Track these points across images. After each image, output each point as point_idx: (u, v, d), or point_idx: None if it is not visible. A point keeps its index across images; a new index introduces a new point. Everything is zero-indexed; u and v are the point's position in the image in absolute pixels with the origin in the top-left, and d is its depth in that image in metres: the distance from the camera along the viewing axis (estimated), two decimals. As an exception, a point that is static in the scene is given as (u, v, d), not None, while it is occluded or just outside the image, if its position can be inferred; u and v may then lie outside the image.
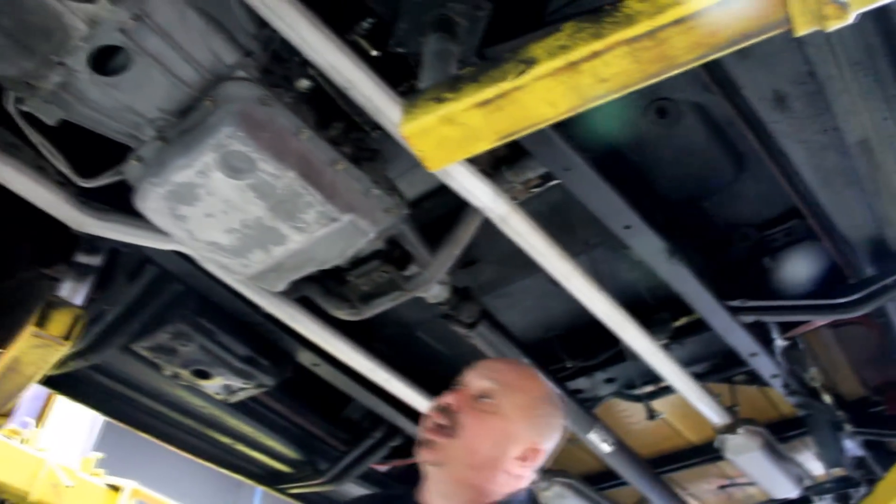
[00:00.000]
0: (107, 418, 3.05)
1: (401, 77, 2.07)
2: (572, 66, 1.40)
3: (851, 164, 2.14)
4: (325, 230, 1.97)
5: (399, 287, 2.22)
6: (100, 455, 4.78)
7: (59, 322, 2.10)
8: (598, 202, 2.29)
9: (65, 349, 2.12)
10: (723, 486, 4.47)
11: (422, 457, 1.71)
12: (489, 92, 1.44)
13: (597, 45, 1.38)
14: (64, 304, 2.13)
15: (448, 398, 1.75)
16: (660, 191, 2.60)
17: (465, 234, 2.26)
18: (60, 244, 2.58)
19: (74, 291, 2.20)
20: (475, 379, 1.78)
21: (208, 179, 1.83)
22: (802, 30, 1.26)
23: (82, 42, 1.67)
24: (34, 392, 5.02)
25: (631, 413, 3.81)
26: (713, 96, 2.34)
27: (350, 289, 2.28)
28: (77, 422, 5.31)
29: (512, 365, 1.96)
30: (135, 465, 6.00)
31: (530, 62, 1.43)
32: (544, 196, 2.53)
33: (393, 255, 2.23)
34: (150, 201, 1.91)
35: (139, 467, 6.05)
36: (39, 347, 2.12)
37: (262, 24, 1.87)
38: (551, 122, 1.50)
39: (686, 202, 2.67)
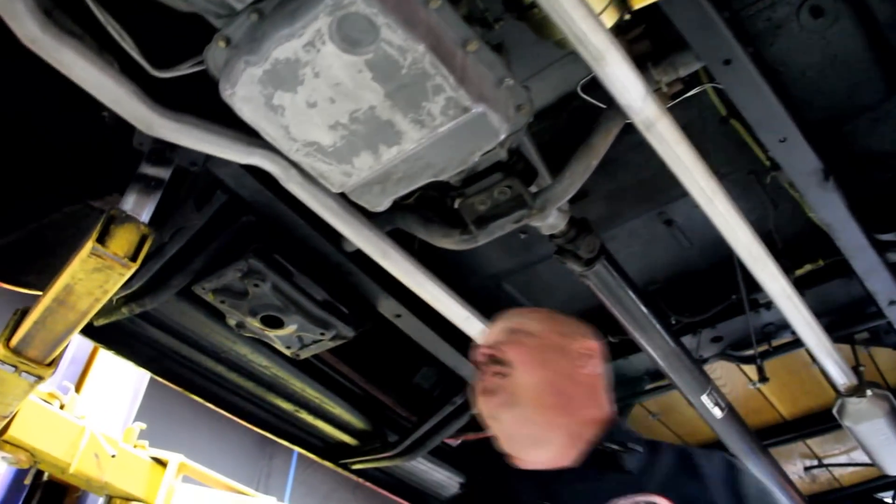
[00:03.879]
0: (159, 378, 2.70)
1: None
2: None
3: None
4: (451, 125, 1.62)
5: (526, 204, 1.86)
6: (143, 426, 4.40)
7: (123, 239, 1.73)
8: (755, 106, 1.97)
9: (129, 273, 1.76)
10: (809, 468, 4.12)
11: (490, 408, 1.64)
12: None
13: None
14: (128, 218, 1.76)
15: (480, 350, 1.74)
16: (802, 108, 2.26)
17: (603, 142, 1.91)
18: (112, 173, 2.25)
19: (140, 207, 1.84)
20: (492, 332, 1.80)
21: (317, 55, 1.48)
22: None
23: None
24: (73, 354, 4.63)
25: (724, 382, 3.47)
26: (881, -11, 2.03)
27: (464, 208, 1.92)
28: (119, 388, 4.92)
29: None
30: (168, 433, 5.71)
31: None
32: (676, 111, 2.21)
33: (516, 167, 1.88)
34: (242, 86, 1.56)
35: (172, 436, 5.77)
36: (99, 271, 1.75)
37: None
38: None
39: (825, 123, 2.33)
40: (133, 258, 1.74)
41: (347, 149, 1.69)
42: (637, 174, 2.46)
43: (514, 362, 1.65)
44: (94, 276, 1.77)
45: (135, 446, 4.24)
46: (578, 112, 2.25)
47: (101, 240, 1.71)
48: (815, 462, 4.09)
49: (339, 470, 3.34)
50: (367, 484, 3.54)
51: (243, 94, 1.58)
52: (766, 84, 1.92)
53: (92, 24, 1.65)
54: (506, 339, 1.72)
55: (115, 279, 1.78)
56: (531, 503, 1.55)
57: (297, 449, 3.23)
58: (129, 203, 1.82)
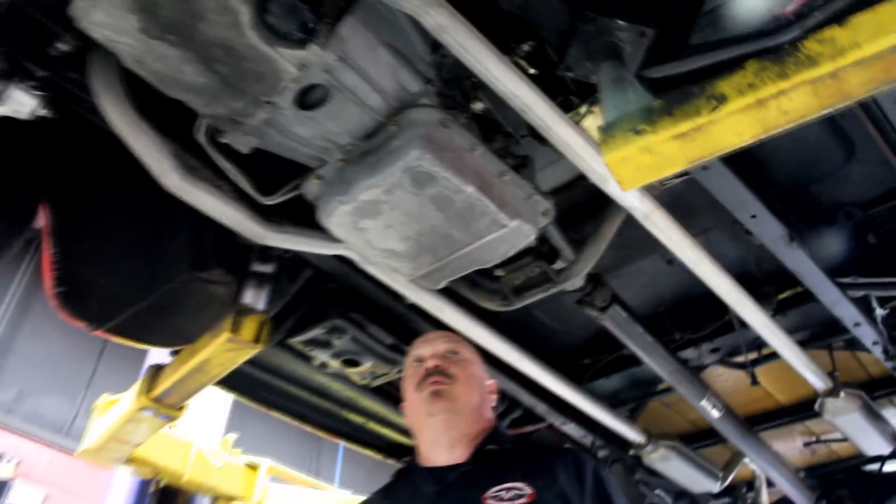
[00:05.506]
0: (253, 404, 3.30)
1: (554, 93, 2.25)
2: (760, 102, 1.58)
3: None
4: (494, 235, 2.16)
5: (551, 280, 2.42)
6: (235, 436, 5.11)
7: (249, 327, 2.32)
8: (728, 195, 2.46)
9: (255, 351, 2.34)
10: (807, 444, 4.66)
11: (435, 407, 2.06)
12: (685, 126, 1.62)
13: (783, 85, 1.56)
14: (251, 310, 2.35)
15: (430, 362, 2.18)
16: (773, 177, 2.76)
17: (609, 230, 2.45)
18: (215, 249, 2.81)
19: (257, 298, 2.41)
20: (436, 345, 2.25)
21: (393, 197, 2.02)
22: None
23: (291, 83, 1.85)
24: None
25: (727, 378, 4.01)
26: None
27: (503, 282, 2.47)
28: (214, 405, 5.66)
29: (448, 331, 2.49)
30: (245, 431, 6.52)
31: (721, 99, 1.60)
32: (669, 187, 2.72)
33: (543, 251, 2.43)
34: (336, 217, 2.10)
35: (249, 432, 6.56)
36: (231, 351, 2.34)
37: (433, 49, 2.05)
38: (735, 149, 1.68)
39: (796, 187, 2.83)
40: (257, 340, 2.32)
41: (415, 253, 2.23)
42: (641, 229, 2.97)
43: (457, 378, 2.13)
44: (227, 354, 2.35)
45: (230, 454, 4.95)
46: (591, 187, 2.77)
47: (234, 329, 2.28)
48: (814, 439, 4.63)
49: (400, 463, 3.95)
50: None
51: (336, 221, 2.13)
52: (737, 179, 2.41)
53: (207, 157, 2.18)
54: (450, 356, 2.21)
55: (243, 356, 2.36)
56: (430, 492, 2.02)
57: (366, 451, 3.84)
58: (249, 297, 2.39)
